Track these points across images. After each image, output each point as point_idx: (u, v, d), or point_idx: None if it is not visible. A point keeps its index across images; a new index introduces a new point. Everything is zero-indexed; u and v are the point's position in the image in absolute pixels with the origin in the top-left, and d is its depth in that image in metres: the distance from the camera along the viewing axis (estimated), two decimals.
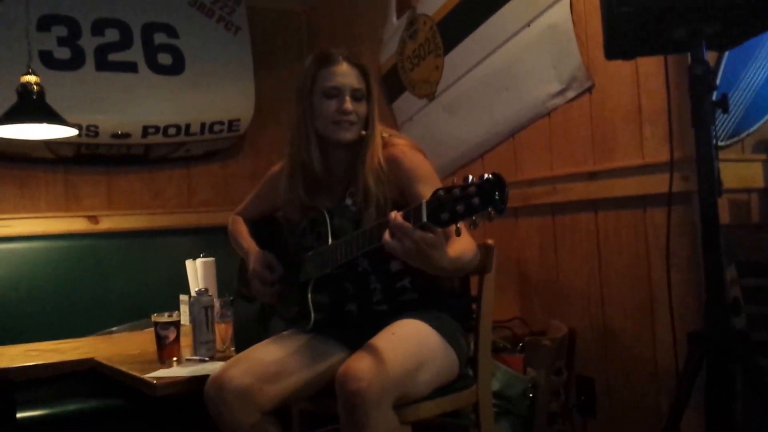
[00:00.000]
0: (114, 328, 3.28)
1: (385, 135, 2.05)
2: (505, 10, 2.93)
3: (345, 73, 1.98)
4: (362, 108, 1.99)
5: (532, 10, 2.80)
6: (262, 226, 2.26)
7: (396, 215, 1.54)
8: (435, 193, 1.47)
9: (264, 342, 1.97)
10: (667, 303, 2.23)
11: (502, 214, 1.40)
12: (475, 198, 1.39)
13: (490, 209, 1.38)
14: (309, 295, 1.92)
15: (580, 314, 2.64)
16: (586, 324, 2.62)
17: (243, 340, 2.24)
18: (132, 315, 3.33)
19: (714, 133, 1.88)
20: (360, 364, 1.69)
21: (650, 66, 2.37)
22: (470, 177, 1.41)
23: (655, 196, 2.35)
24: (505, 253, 2.96)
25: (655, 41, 1.97)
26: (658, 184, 2.29)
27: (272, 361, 1.87)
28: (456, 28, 3.19)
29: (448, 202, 1.43)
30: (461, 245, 1.70)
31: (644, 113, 2.44)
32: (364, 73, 2.02)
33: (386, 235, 1.55)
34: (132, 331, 3.18)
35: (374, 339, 1.80)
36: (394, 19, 3.63)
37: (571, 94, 2.69)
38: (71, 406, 3.00)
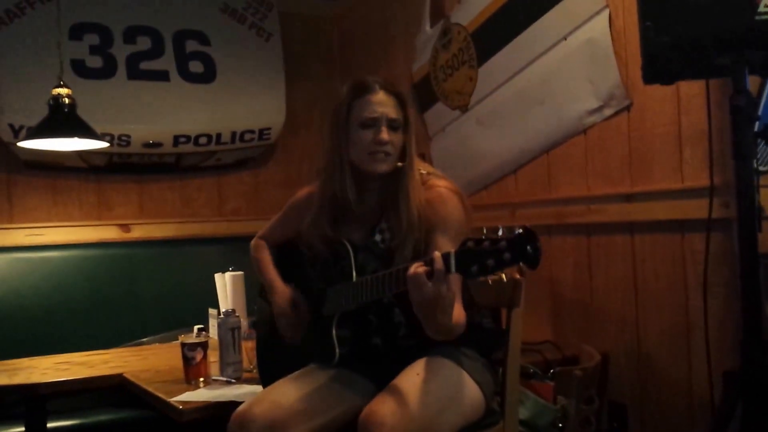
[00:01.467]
0: (145, 339, 3.30)
1: (423, 172, 1.97)
2: (541, 23, 2.86)
3: (382, 103, 1.90)
4: (399, 139, 1.92)
5: (570, 23, 2.74)
6: (284, 252, 2.23)
7: (437, 257, 1.51)
8: (464, 243, 1.43)
9: (288, 378, 1.94)
10: (704, 332, 2.17)
11: (536, 269, 1.35)
12: (506, 253, 1.35)
13: (521, 264, 1.34)
14: (333, 331, 1.88)
15: (614, 339, 2.59)
16: (620, 349, 2.56)
17: (265, 353, 2.23)
18: (163, 324, 3.35)
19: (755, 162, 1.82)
20: (383, 409, 1.66)
21: (692, 86, 2.30)
22: (500, 229, 1.37)
23: (694, 222, 2.28)
24: (538, 271, 2.86)
25: (696, 66, 1.91)
26: (697, 209, 2.22)
27: (298, 398, 1.84)
28: (491, 39, 3.13)
29: (479, 255, 1.39)
30: (457, 312, 1.68)
31: (684, 135, 2.36)
32: (401, 102, 1.93)
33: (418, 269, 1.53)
34: (162, 343, 3.19)
35: (398, 380, 1.76)
36: (428, 27, 3.58)
37: (608, 111, 2.62)
38: (102, 417, 3.04)
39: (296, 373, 1.97)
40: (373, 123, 1.90)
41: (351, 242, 1.94)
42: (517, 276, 1.91)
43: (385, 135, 1.88)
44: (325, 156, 1.98)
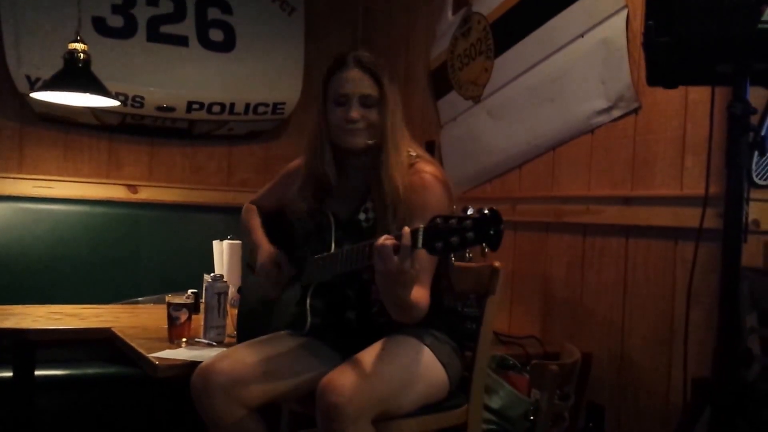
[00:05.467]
0: (140, 299, 3.33)
1: (412, 154, 1.96)
2: (561, 18, 2.84)
3: (354, 80, 1.90)
4: (373, 115, 1.91)
5: (588, 21, 2.71)
6: (272, 219, 2.26)
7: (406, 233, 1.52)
8: (433, 219, 1.43)
9: (257, 339, 1.97)
10: (683, 340, 2.15)
11: (496, 251, 1.36)
12: (470, 232, 1.36)
13: (483, 245, 1.35)
14: (308, 300, 1.90)
15: (598, 340, 2.58)
16: (603, 350, 2.55)
17: (246, 318, 2.26)
18: (160, 286, 3.36)
19: (747, 173, 1.80)
20: (342, 378, 1.67)
21: (700, 93, 2.28)
22: (469, 209, 1.38)
23: (689, 230, 2.25)
24: (532, 267, 2.90)
25: (700, 72, 1.88)
26: (693, 217, 2.19)
27: (262, 359, 1.87)
28: (509, 30, 3.12)
29: (444, 231, 1.40)
30: (418, 294, 1.69)
31: (688, 142, 2.34)
32: (377, 78, 1.92)
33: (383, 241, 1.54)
34: (157, 304, 3.22)
35: (362, 353, 1.78)
36: (450, 14, 3.57)
37: (616, 113, 2.60)
38: (90, 370, 3.08)
39: (266, 336, 2.00)
40: (345, 100, 1.90)
41: (335, 216, 1.95)
42: (497, 263, 1.92)
43: (355, 113, 1.88)
44: (310, 132, 2.02)
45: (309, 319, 1.89)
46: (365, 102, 1.90)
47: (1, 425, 2.70)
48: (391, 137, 1.91)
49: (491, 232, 1.35)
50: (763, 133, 2.13)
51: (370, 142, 1.92)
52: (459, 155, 3.42)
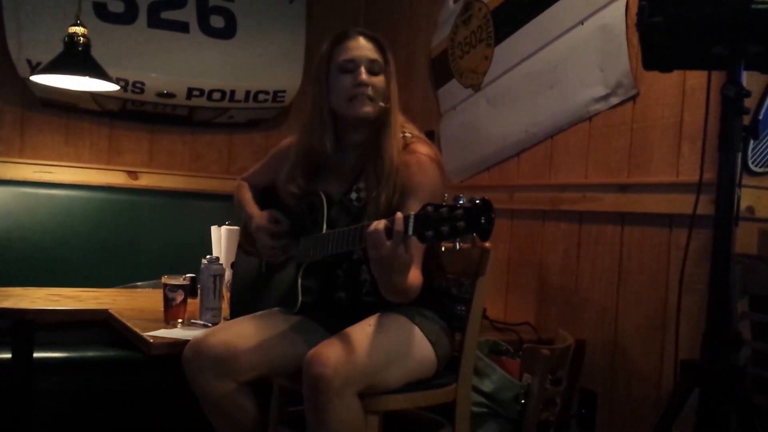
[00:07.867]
0: (139, 283, 3.34)
1: (408, 135, 1.98)
2: (561, 5, 2.84)
3: (360, 47, 1.92)
4: (380, 82, 1.92)
5: (588, 8, 2.71)
6: (266, 198, 2.27)
7: (399, 218, 1.52)
8: (424, 207, 1.44)
9: (248, 316, 1.99)
10: (675, 326, 2.15)
11: (486, 241, 1.37)
12: (460, 222, 1.37)
13: (474, 235, 1.35)
14: (299, 280, 1.91)
15: (592, 327, 2.58)
16: (597, 337, 2.55)
17: (238, 299, 2.27)
18: (159, 272, 3.34)
19: (741, 157, 1.79)
20: (328, 351, 1.69)
21: (698, 80, 2.28)
22: (461, 198, 1.39)
23: (684, 217, 2.26)
24: (528, 255, 2.91)
25: (695, 55, 1.87)
26: (688, 204, 2.19)
27: (253, 334, 1.88)
28: (510, 17, 3.11)
29: (435, 220, 1.41)
30: (412, 275, 1.69)
31: (685, 129, 2.34)
32: (380, 46, 1.95)
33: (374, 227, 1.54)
34: (155, 288, 3.23)
35: (349, 328, 1.79)
36: (451, 2, 3.56)
37: (614, 100, 2.60)
38: (88, 353, 3.09)
39: (257, 313, 2.02)
40: (352, 66, 1.90)
41: (327, 195, 1.96)
42: (487, 244, 1.92)
43: (364, 76, 1.89)
44: (309, 110, 2.00)
45: (300, 298, 1.90)
46: (372, 68, 1.92)
47: None
48: (394, 106, 1.93)
49: (482, 222, 1.35)
50: (760, 117, 2.13)
51: (382, 104, 1.92)
52: (458, 144, 3.42)
